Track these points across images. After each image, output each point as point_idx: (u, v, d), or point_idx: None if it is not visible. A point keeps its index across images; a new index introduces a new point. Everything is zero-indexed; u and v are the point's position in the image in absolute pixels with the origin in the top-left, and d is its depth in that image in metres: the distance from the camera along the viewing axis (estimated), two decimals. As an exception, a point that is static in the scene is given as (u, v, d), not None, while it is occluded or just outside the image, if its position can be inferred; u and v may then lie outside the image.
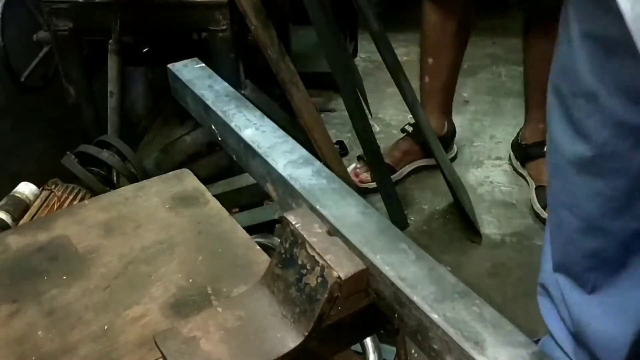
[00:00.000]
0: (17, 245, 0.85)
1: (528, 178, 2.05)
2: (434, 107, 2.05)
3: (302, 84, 1.49)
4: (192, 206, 0.91)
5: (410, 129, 2.06)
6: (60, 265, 0.81)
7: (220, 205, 0.92)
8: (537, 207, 1.92)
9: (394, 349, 1.51)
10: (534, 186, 1.98)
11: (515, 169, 2.12)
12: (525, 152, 2.06)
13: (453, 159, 2.16)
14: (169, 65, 0.94)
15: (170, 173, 0.98)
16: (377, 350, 1.14)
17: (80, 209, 0.91)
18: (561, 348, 1.26)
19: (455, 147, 2.18)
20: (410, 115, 1.92)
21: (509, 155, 2.18)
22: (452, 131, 2.14)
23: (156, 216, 0.89)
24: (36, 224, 0.92)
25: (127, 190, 0.95)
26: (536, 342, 1.38)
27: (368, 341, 1.10)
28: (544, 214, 1.89)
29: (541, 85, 1.96)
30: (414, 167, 2.07)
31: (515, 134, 2.13)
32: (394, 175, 2.02)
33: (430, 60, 1.97)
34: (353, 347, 1.09)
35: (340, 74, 1.59)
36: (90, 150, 1.33)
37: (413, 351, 1.51)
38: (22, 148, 1.66)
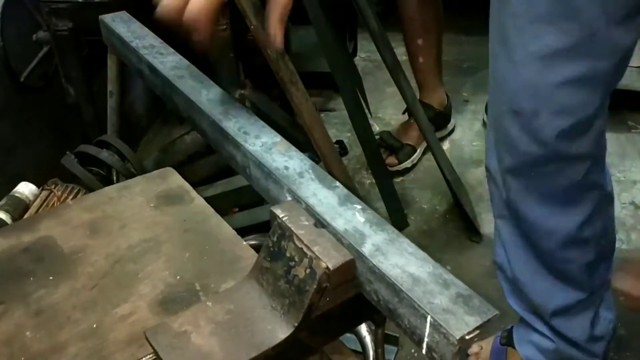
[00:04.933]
0: (1, 247, 0.85)
1: None
2: (433, 84, 2.15)
3: (301, 83, 1.48)
4: (177, 204, 0.91)
5: None
6: (46, 266, 0.81)
7: (206, 203, 0.92)
8: None
9: (394, 348, 1.51)
10: None
11: None
12: None
13: (451, 132, 2.25)
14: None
15: (154, 172, 0.99)
16: (377, 350, 1.14)
17: (64, 210, 0.91)
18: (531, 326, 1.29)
19: (453, 120, 2.24)
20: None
21: (483, 119, 2.30)
22: (450, 103, 2.24)
23: (141, 215, 0.89)
24: (20, 226, 0.92)
25: (112, 190, 0.95)
26: (510, 330, 1.40)
27: (368, 341, 1.10)
28: None
29: None
30: None
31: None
32: (416, 154, 2.12)
33: (420, 41, 2.04)
34: (353, 347, 1.09)
35: (340, 73, 1.60)
36: (90, 150, 1.33)
37: (413, 350, 1.51)
38: (22, 148, 1.66)
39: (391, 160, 2.06)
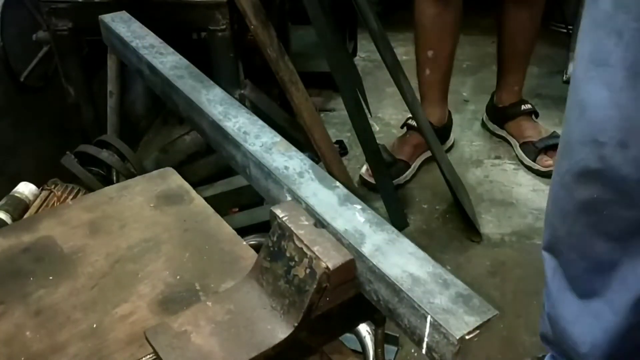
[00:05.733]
0: (1, 247, 0.84)
1: (509, 137, 2.18)
2: (436, 98, 2.10)
3: (301, 83, 1.49)
4: (177, 204, 0.91)
5: (414, 123, 2.08)
6: (46, 266, 0.81)
7: (205, 203, 0.92)
8: (527, 161, 2.07)
9: (394, 348, 1.51)
10: (518, 143, 2.13)
11: (492, 132, 2.25)
12: (504, 113, 2.19)
13: (450, 148, 2.23)
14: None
15: (154, 172, 0.99)
16: (377, 350, 1.14)
17: (64, 210, 0.91)
18: None
19: (452, 136, 2.24)
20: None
21: (482, 119, 2.30)
22: (450, 119, 2.20)
23: (141, 215, 0.89)
24: (20, 226, 0.92)
25: (111, 190, 0.95)
26: (541, 358, 1.38)
27: (368, 341, 1.10)
28: (535, 166, 2.05)
29: (517, 52, 2.05)
30: (424, 158, 2.09)
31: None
32: (409, 170, 2.06)
33: (430, 53, 1.99)
34: (353, 347, 1.09)
35: (340, 73, 1.59)
36: (89, 150, 1.33)
37: (413, 350, 1.51)
38: (22, 148, 1.66)
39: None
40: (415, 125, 2.06)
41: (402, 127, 2.13)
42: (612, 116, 0.90)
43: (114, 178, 1.34)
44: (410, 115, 1.98)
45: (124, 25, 1.12)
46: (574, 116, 0.98)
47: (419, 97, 1.98)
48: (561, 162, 1.05)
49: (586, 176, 0.98)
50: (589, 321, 1.11)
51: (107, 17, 1.15)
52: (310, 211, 0.67)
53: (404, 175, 2.04)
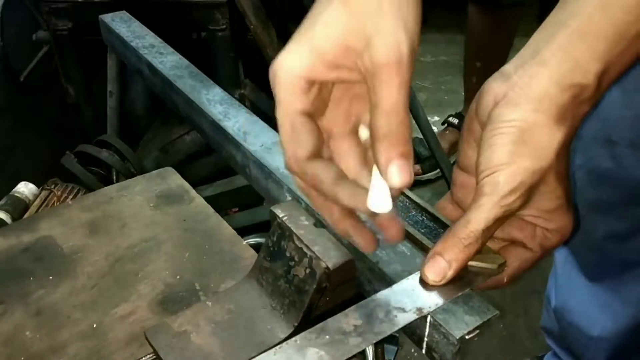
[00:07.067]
0: (1, 247, 0.84)
1: None
2: None
3: (301, 83, 1.49)
4: (177, 204, 0.91)
5: (455, 121, 2.12)
6: (46, 266, 0.81)
7: (205, 203, 0.92)
8: None
9: (394, 348, 1.51)
10: None
11: None
12: None
13: None
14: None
15: (154, 172, 0.98)
16: (377, 350, 1.14)
17: (64, 209, 0.91)
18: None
19: None
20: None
21: None
22: None
23: (141, 214, 0.89)
24: (19, 225, 0.92)
25: (111, 189, 0.95)
26: (541, 357, 1.38)
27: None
28: None
29: None
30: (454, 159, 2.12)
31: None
32: None
33: (478, 64, 2.04)
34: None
35: (340, 73, 1.59)
36: (89, 149, 1.33)
37: (413, 350, 1.52)
38: (22, 148, 1.67)
39: (415, 169, 2.05)
40: (456, 122, 2.10)
41: (442, 123, 2.18)
42: (625, 116, 0.90)
43: (114, 178, 1.34)
44: (451, 113, 2.09)
45: (124, 25, 1.12)
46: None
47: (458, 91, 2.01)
48: (574, 156, 1.05)
49: (597, 174, 0.98)
50: (599, 312, 1.11)
51: (107, 17, 1.15)
52: (311, 211, 0.67)
53: (436, 171, 2.06)
